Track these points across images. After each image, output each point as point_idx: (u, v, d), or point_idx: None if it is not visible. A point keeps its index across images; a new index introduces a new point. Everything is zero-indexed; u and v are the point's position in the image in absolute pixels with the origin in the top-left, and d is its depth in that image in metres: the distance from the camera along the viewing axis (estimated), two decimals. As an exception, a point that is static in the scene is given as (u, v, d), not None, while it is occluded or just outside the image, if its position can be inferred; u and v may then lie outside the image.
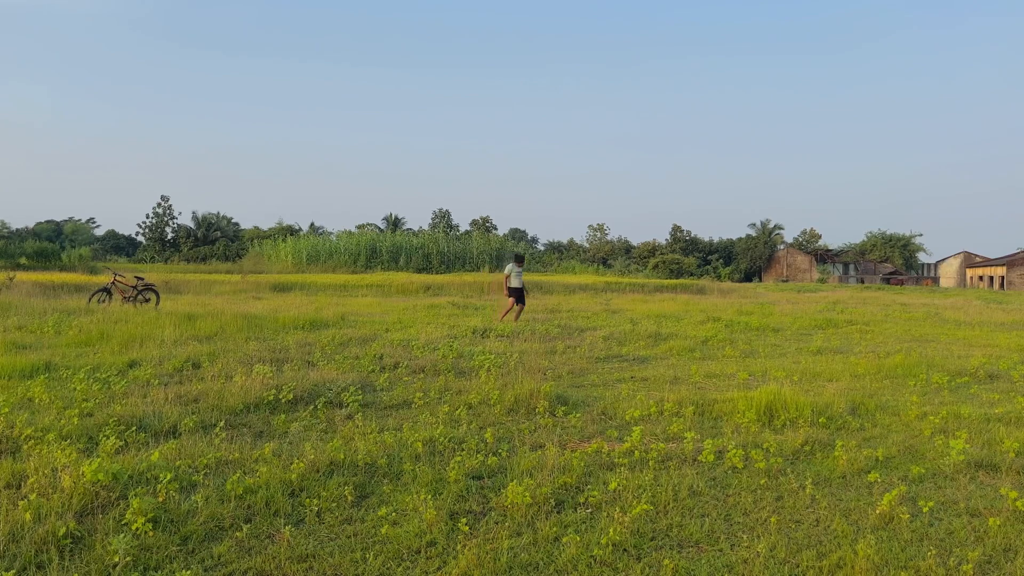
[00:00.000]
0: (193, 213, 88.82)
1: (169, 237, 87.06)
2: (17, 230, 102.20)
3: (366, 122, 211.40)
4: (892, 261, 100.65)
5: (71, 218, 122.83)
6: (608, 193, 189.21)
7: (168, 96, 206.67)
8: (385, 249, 61.37)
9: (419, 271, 57.40)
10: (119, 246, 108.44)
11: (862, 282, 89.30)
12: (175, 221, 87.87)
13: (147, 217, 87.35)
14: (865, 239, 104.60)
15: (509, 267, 18.30)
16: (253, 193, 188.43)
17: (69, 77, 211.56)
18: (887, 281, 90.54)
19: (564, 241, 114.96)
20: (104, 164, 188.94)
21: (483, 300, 26.74)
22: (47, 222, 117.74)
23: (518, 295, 17.98)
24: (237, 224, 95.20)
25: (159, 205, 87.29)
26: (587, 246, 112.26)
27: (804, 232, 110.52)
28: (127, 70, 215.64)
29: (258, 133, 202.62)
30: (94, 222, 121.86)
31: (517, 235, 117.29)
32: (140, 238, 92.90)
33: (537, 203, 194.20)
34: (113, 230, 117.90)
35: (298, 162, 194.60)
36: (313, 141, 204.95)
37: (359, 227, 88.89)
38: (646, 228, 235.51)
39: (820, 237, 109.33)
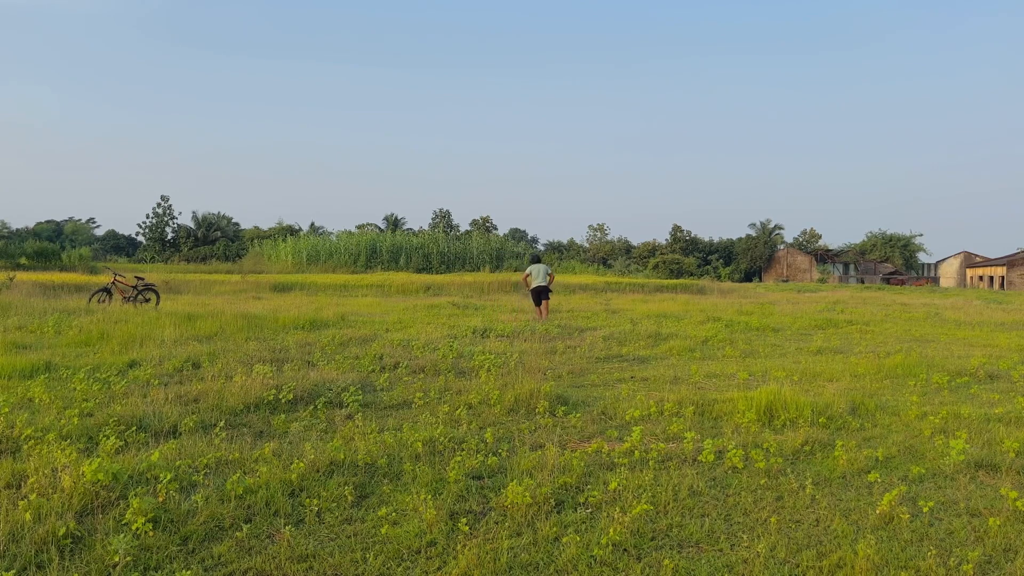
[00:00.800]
0: (193, 213, 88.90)
1: (169, 237, 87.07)
2: (17, 230, 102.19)
3: (366, 122, 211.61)
4: (892, 261, 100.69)
5: (71, 218, 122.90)
6: (608, 193, 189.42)
7: (169, 96, 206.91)
8: (385, 249, 61.55)
9: (419, 271, 57.53)
10: (119, 246, 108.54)
11: (862, 282, 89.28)
12: (175, 221, 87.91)
13: (147, 217, 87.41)
14: (865, 239, 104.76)
15: (540, 268, 18.85)
16: (253, 193, 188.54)
17: (71, 77, 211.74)
18: (887, 281, 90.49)
19: (564, 241, 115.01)
20: (104, 164, 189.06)
21: (483, 300, 26.74)
22: (47, 222, 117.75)
23: (546, 293, 18.59)
24: (237, 224, 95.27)
25: (159, 205, 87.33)
26: (587, 246, 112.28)
27: (804, 232, 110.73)
28: (128, 70, 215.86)
29: (258, 133, 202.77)
30: (94, 222, 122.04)
31: (517, 235, 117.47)
32: (140, 238, 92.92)
33: (537, 203, 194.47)
34: (113, 230, 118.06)
35: (298, 162, 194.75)
36: (313, 141, 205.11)
37: (359, 227, 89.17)
38: (646, 228, 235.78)
39: (820, 237, 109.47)
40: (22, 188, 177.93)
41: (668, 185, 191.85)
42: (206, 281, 30.92)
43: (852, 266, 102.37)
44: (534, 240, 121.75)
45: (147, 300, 19.28)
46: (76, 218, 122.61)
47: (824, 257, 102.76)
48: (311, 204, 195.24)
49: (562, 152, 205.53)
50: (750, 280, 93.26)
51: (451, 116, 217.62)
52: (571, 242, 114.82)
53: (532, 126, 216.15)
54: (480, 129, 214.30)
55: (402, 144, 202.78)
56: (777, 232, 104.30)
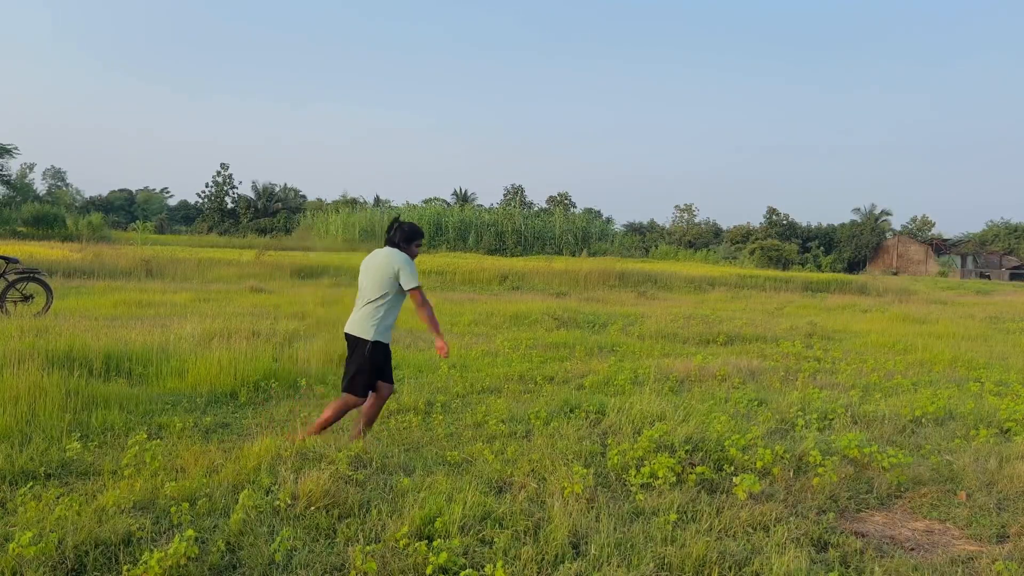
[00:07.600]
0: (253, 183, 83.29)
1: (229, 207, 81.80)
2: (91, 198, 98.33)
3: (434, 98, 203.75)
4: (1017, 254, 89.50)
5: (146, 187, 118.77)
6: (693, 170, 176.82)
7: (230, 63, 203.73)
8: (451, 226, 53.75)
9: (490, 252, 49.95)
10: (189, 216, 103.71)
11: (987, 277, 78.28)
12: (235, 191, 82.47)
13: (206, 186, 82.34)
14: (985, 228, 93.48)
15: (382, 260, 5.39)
16: (324, 163, 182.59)
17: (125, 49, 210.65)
18: (1020, 277, 78.97)
19: (644, 222, 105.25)
20: (177, 131, 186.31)
21: (596, 303, 18.90)
22: (120, 191, 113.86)
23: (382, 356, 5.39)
24: (304, 196, 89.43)
25: (218, 173, 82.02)
26: (669, 228, 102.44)
27: (914, 219, 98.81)
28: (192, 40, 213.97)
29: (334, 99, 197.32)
30: (168, 191, 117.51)
31: (592, 215, 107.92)
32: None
33: (614, 181, 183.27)
34: (185, 200, 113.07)
35: (370, 132, 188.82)
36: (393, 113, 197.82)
37: (425, 201, 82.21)
38: (735, 211, 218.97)
39: (934, 225, 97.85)
40: (100, 156, 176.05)
41: (758, 165, 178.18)
42: (208, 260, 23.48)
43: (971, 258, 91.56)
44: (608, 221, 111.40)
45: (27, 299, 11.99)
46: (150, 187, 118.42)
47: (940, 248, 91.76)
48: (379, 176, 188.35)
49: (646, 131, 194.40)
50: (853, 271, 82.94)
51: (529, 93, 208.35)
52: (652, 223, 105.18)
53: (621, 104, 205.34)
54: (561, 104, 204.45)
55: (477, 118, 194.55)
56: (884, 219, 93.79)
